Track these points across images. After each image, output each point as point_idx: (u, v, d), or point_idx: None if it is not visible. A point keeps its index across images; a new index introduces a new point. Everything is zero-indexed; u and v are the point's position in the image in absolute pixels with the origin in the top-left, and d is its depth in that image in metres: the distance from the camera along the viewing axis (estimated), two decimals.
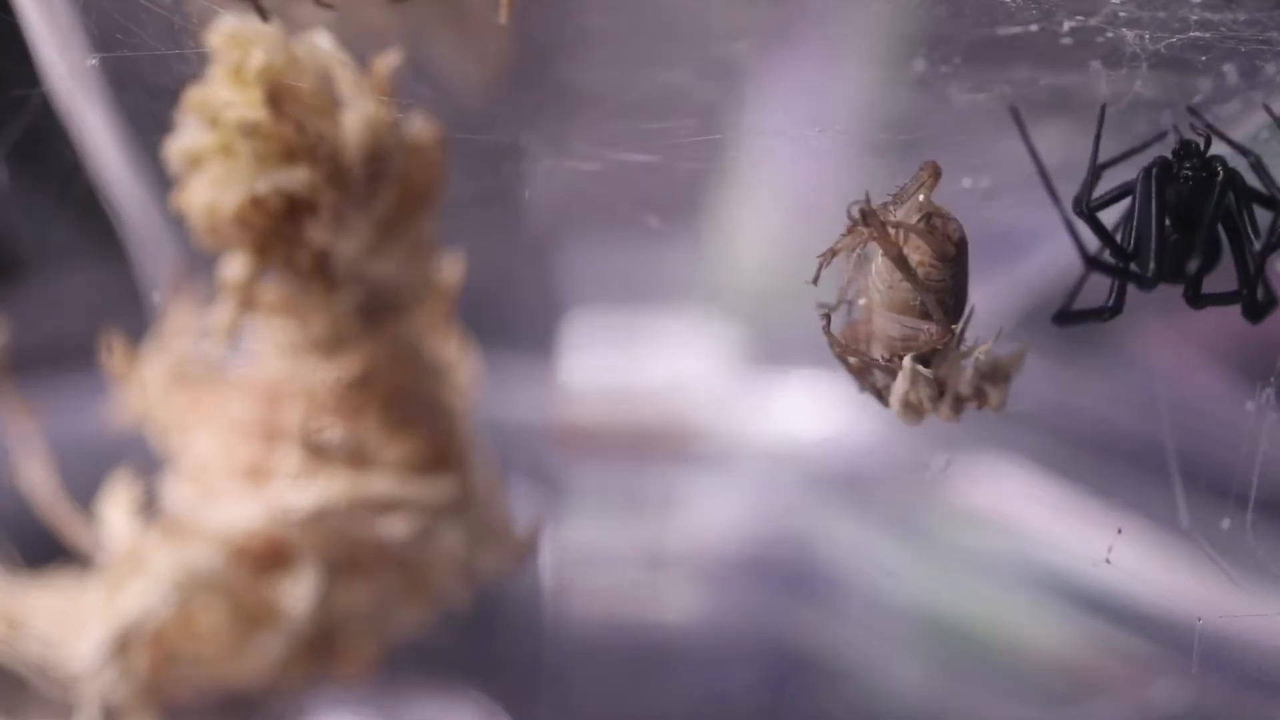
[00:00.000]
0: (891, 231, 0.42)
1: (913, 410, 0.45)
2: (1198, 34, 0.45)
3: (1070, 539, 0.64)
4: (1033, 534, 0.68)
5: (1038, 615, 0.67)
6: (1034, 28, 0.47)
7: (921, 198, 0.43)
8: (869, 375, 0.46)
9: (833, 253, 0.44)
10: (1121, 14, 0.45)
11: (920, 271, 0.43)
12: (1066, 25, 0.46)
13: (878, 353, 0.45)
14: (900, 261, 0.42)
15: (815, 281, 0.44)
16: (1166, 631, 0.58)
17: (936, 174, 0.43)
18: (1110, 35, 0.45)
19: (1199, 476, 0.52)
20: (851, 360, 0.45)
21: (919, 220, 0.43)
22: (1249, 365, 0.49)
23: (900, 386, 0.44)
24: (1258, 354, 0.48)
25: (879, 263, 0.43)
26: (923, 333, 0.43)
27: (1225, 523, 0.48)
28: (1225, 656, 0.48)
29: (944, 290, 0.43)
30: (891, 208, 0.43)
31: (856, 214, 0.42)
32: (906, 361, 0.44)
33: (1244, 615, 0.48)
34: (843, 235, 0.43)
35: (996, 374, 0.45)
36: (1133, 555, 0.55)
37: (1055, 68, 0.48)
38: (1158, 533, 0.55)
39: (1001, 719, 0.67)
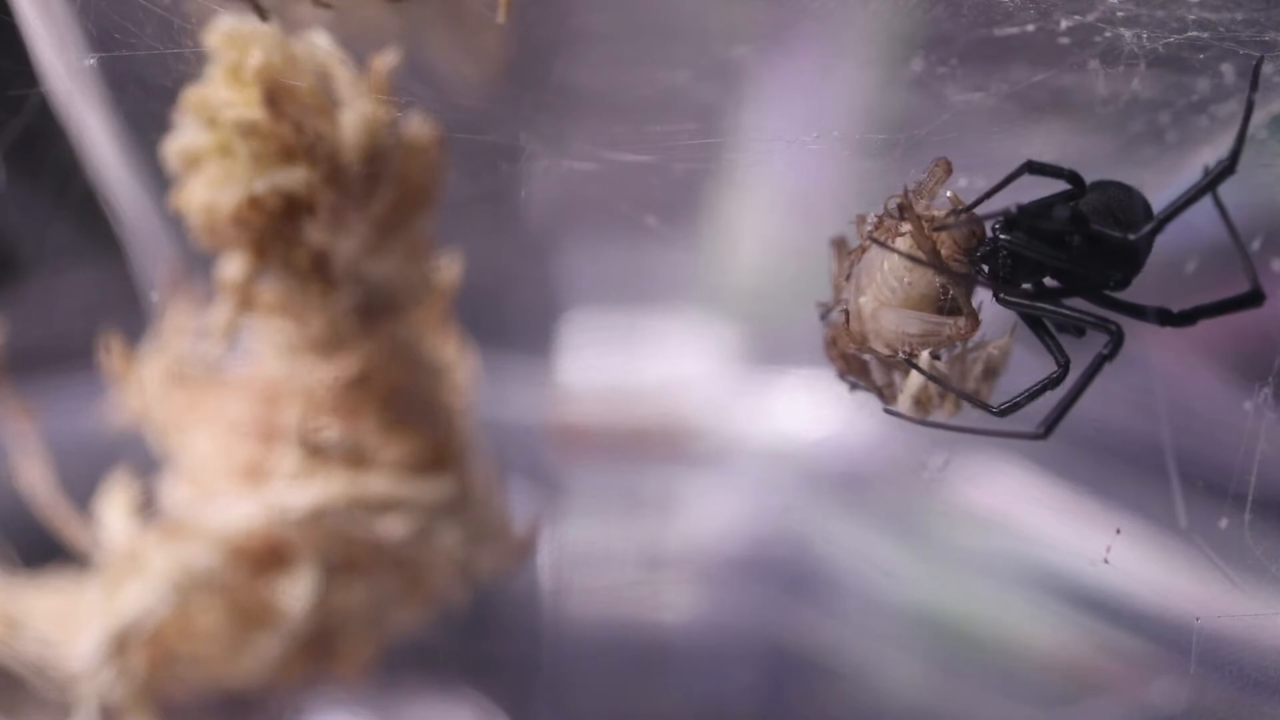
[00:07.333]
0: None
1: (922, 407, 0.45)
2: (1196, 33, 0.45)
3: (1068, 539, 0.64)
4: (1031, 534, 0.68)
5: (1036, 615, 0.67)
6: (1031, 28, 0.47)
7: (949, 194, 0.43)
8: (866, 374, 0.46)
9: (862, 249, 0.44)
10: (1119, 13, 0.45)
11: None
12: (1064, 24, 0.46)
13: (881, 350, 0.45)
14: (934, 255, 0.42)
15: (847, 277, 0.44)
16: (1164, 631, 0.58)
17: (949, 170, 0.43)
18: (1108, 34, 0.45)
19: (1197, 476, 0.52)
20: (864, 357, 0.45)
21: (948, 215, 0.43)
22: (1246, 365, 0.50)
23: (914, 383, 0.44)
24: (1255, 354, 0.48)
25: (893, 260, 0.43)
26: (947, 327, 0.43)
27: (1223, 522, 0.48)
28: (1223, 656, 0.48)
29: (968, 284, 0.43)
30: (922, 203, 0.43)
31: (894, 208, 0.42)
32: (925, 357, 0.44)
33: (1242, 615, 0.48)
34: (872, 229, 0.43)
35: (986, 371, 0.45)
36: (1131, 555, 0.55)
37: (1053, 67, 0.48)
38: (1156, 533, 0.55)
39: (999, 718, 0.67)
